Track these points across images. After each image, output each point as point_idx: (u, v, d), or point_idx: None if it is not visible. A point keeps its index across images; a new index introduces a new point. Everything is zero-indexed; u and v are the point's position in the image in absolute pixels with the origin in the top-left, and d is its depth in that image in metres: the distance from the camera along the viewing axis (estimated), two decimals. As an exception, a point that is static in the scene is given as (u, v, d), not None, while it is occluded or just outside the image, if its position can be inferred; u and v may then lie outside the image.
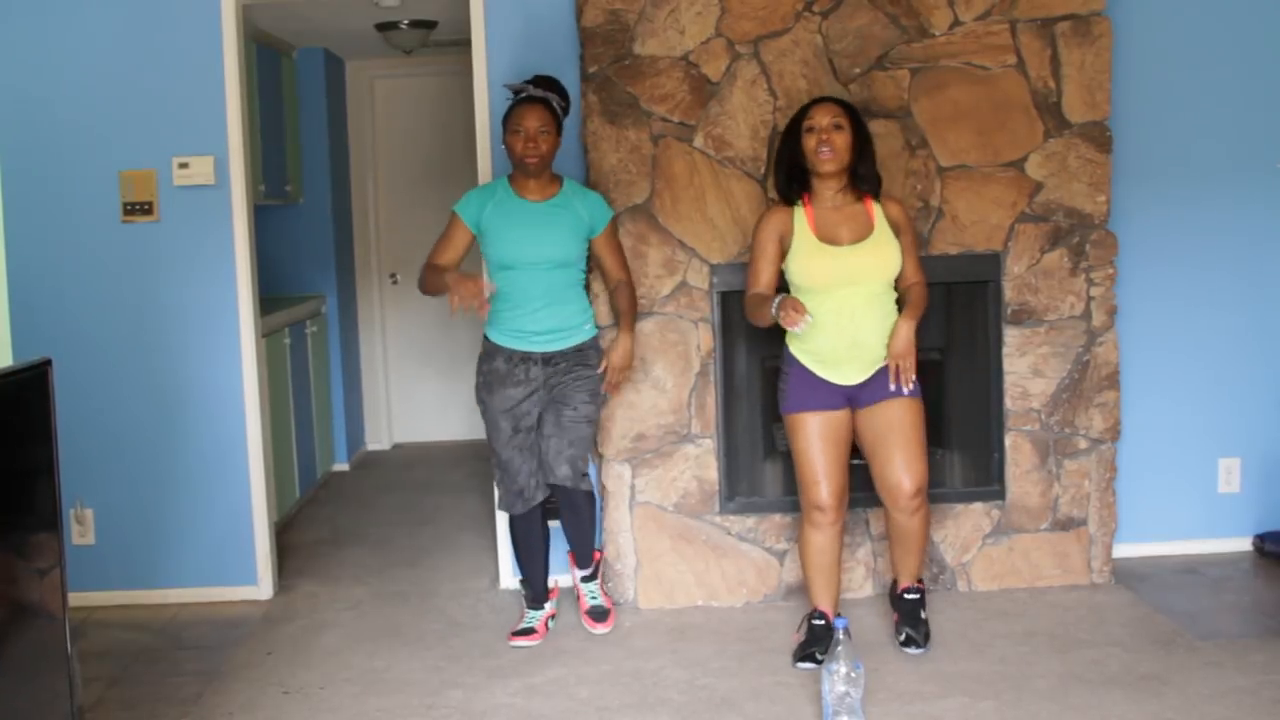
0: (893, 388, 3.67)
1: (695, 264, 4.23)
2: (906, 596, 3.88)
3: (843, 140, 3.67)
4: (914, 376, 3.71)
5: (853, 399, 3.74)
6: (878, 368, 3.70)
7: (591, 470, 4.17)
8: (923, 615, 3.85)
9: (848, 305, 3.66)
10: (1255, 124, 4.54)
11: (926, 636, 3.80)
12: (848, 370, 3.70)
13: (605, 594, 4.21)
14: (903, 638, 3.81)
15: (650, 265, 4.21)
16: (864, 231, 3.71)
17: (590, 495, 4.11)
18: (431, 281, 3.90)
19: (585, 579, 4.19)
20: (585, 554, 4.17)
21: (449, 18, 5.70)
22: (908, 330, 3.67)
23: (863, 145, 3.72)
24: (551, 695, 3.60)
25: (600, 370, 3.97)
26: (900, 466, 3.72)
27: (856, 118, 3.73)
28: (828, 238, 3.70)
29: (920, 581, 3.90)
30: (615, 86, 4.18)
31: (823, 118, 3.68)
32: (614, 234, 4.02)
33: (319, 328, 6.40)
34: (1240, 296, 4.60)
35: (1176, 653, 3.73)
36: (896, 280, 3.76)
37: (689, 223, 4.21)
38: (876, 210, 3.74)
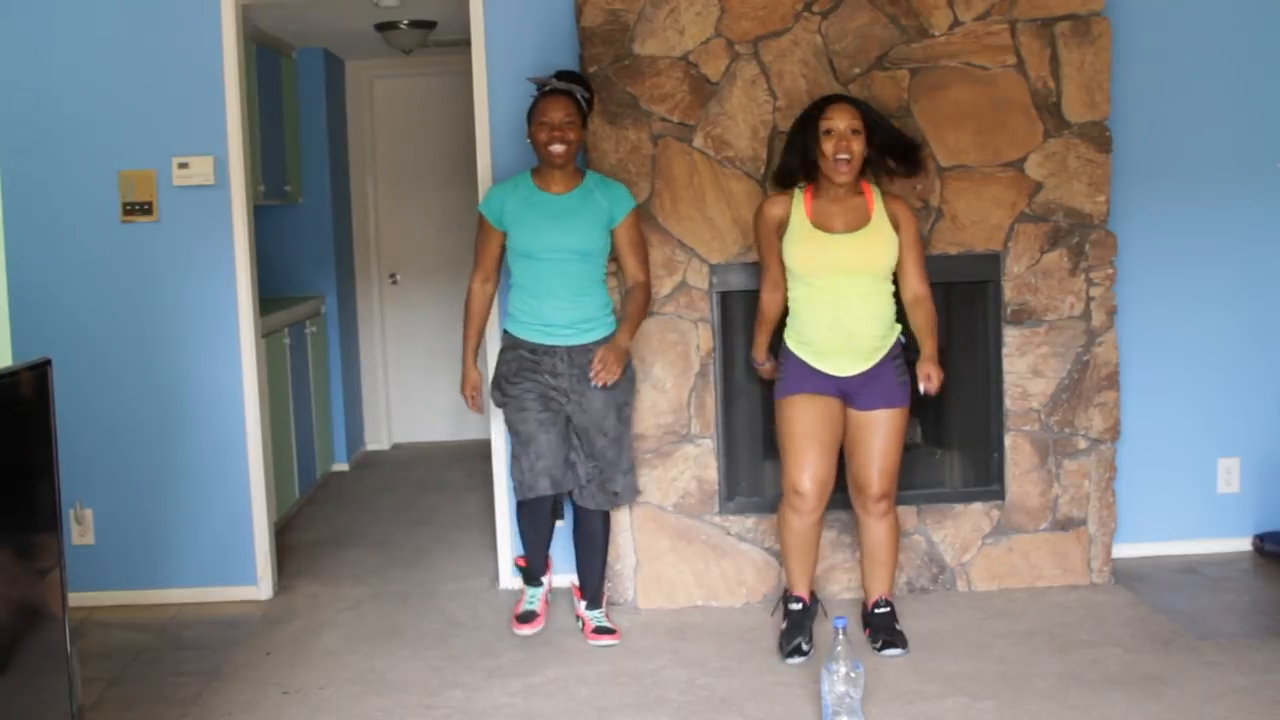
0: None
1: (695, 264, 4.23)
2: (877, 611, 3.85)
3: (859, 146, 3.66)
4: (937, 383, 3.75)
5: (847, 394, 3.74)
6: (873, 362, 3.70)
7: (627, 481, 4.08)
8: (897, 627, 3.82)
9: (842, 296, 3.67)
10: (1255, 124, 4.54)
11: (904, 641, 3.78)
12: (842, 361, 3.70)
13: (610, 618, 4.10)
14: (879, 644, 3.78)
15: (649, 265, 4.20)
16: (859, 222, 3.71)
17: (608, 521, 4.08)
18: (465, 330, 4.06)
19: (589, 607, 4.10)
20: (595, 590, 4.09)
21: (449, 18, 5.70)
22: (935, 370, 3.73)
23: (872, 136, 3.70)
24: (551, 695, 3.60)
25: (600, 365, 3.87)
26: (873, 468, 3.75)
27: (869, 115, 3.72)
28: (822, 225, 3.71)
29: (890, 597, 3.88)
30: (615, 86, 4.18)
31: (840, 121, 3.65)
32: (635, 226, 3.96)
33: (319, 328, 6.40)
34: (1240, 296, 4.60)
35: (1176, 653, 3.73)
36: (896, 279, 3.76)
37: (689, 223, 4.21)
38: (877, 203, 3.74)
